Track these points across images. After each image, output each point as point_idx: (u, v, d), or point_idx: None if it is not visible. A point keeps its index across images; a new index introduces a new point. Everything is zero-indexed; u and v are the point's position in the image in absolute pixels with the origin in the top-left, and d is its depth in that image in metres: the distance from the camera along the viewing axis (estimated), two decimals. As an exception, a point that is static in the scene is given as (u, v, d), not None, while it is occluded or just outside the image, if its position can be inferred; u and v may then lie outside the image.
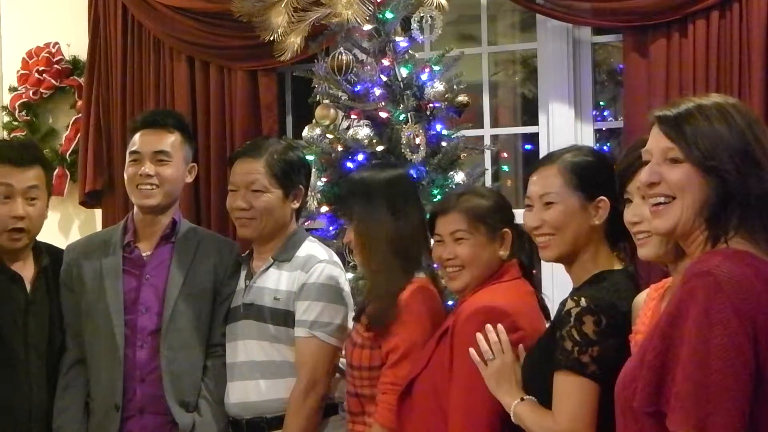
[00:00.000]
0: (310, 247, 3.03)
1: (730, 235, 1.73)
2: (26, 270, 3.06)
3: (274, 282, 2.97)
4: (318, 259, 2.96)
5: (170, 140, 3.07)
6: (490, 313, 2.44)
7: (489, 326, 2.39)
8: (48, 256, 3.13)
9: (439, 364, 2.51)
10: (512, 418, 2.30)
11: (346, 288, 2.99)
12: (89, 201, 4.66)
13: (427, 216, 2.76)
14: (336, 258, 3.05)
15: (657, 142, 1.81)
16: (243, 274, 3.07)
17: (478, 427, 2.40)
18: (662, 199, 1.80)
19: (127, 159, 3.11)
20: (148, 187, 3.03)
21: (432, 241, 2.71)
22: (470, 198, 2.64)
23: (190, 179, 3.20)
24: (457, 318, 2.50)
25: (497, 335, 2.38)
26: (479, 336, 2.39)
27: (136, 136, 3.10)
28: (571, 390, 2.17)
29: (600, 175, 2.33)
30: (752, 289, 1.65)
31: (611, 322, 2.15)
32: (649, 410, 1.72)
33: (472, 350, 2.39)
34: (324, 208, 3.55)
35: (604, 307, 2.17)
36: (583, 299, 2.19)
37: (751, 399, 1.63)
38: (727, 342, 1.62)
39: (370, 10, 3.47)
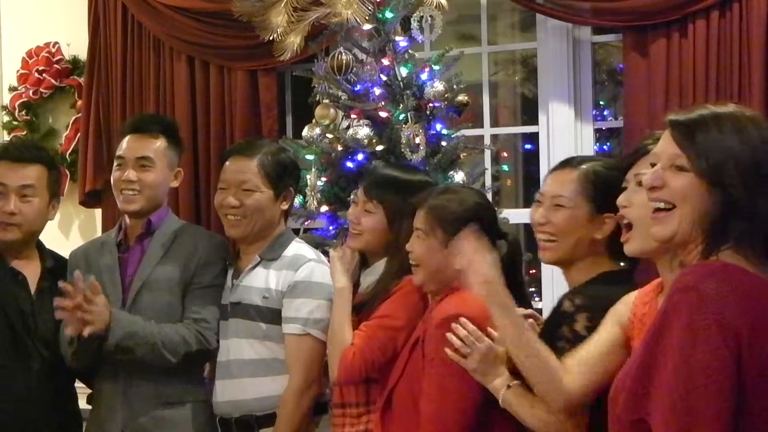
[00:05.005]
0: (298, 247, 3.03)
1: (723, 248, 1.70)
2: (30, 269, 3.09)
3: (262, 281, 2.96)
4: (306, 258, 2.97)
5: (154, 146, 3.10)
6: (458, 320, 2.38)
7: (454, 324, 2.35)
8: (53, 260, 3.17)
9: (414, 372, 2.53)
10: (500, 404, 2.28)
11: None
12: (89, 201, 4.65)
13: None
14: (324, 258, 3.04)
15: (666, 147, 1.78)
16: (230, 273, 3.07)
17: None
18: (662, 205, 1.78)
19: (114, 163, 3.17)
20: (130, 192, 3.07)
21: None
22: (441, 198, 2.61)
23: (176, 184, 3.23)
24: (427, 326, 2.51)
25: (464, 329, 2.33)
26: (449, 335, 2.34)
27: (124, 141, 3.15)
28: None
29: (615, 192, 2.27)
30: (736, 303, 1.63)
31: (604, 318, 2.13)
32: (631, 418, 1.71)
33: (448, 350, 2.35)
34: (324, 208, 3.55)
35: (598, 304, 2.15)
36: (577, 298, 2.21)
37: (734, 413, 1.62)
38: (710, 358, 1.61)
39: (369, 10, 3.47)
